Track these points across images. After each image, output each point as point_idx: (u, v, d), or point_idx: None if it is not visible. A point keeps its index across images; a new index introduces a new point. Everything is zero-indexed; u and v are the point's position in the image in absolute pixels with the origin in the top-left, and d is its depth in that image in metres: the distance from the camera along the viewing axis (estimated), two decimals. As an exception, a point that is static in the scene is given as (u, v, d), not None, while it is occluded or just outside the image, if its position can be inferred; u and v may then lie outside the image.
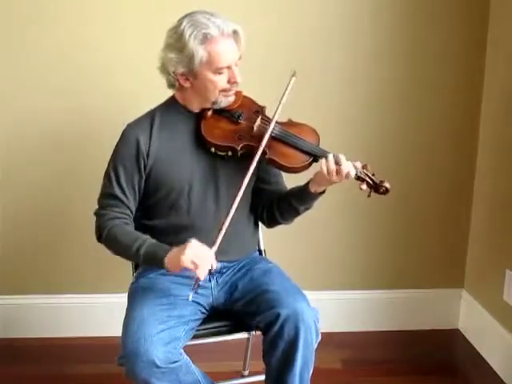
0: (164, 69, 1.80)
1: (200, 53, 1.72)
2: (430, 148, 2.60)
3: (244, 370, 2.35)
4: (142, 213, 1.89)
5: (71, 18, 2.38)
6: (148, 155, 1.82)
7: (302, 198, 1.85)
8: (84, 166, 2.48)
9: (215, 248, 1.67)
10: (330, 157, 1.75)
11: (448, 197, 2.66)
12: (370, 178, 1.78)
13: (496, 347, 2.46)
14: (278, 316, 1.70)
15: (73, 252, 2.57)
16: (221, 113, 1.85)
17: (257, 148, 1.76)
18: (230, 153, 1.81)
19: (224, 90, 1.79)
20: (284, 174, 1.95)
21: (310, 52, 2.46)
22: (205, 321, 1.87)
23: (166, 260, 1.67)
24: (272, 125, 1.78)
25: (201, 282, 1.85)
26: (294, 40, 2.45)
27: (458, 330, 2.75)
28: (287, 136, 1.81)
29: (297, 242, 2.61)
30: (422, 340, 2.66)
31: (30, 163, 2.49)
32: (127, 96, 2.40)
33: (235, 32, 1.75)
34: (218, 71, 1.75)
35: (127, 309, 1.78)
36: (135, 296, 1.82)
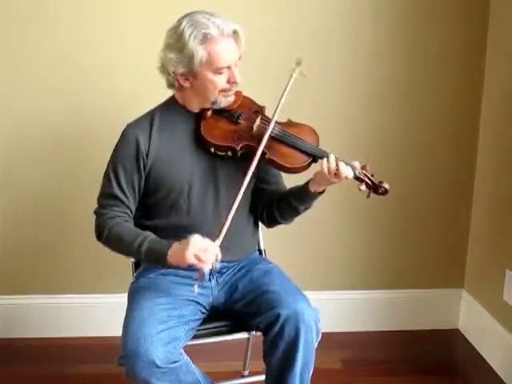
0: (164, 69, 1.80)
1: (200, 53, 1.72)
2: (430, 148, 2.60)
3: (244, 370, 2.35)
4: (141, 213, 1.89)
5: (71, 18, 2.38)
6: (148, 155, 1.82)
7: (302, 197, 1.85)
8: (84, 166, 2.48)
9: (219, 241, 1.66)
10: (332, 157, 1.75)
11: (448, 197, 2.66)
12: (369, 178, 1.78)
13: (496, 347, 2.46)
14: (278, 316, 1.70)
15: (73, 252, 2.58)
16: (220, 113, 1.85)
17: (256, 148, 1.76)
18: (229, 153, 1.81)
19: (224, 90, 1.79)
20: (284, 174, 1.95)
21: (310, 52, 2.46)
22: (205, 321, 1.87)
23: (169, 255, 1.68)
24: (272, 125, 1.78)
25: (201, 282, 1.86)
26: (293, 40, 2.45)
27: (458, 330, 2.75)
28: (287, 136, 1.81)
29: (297, 242, 2.61)
30: (422, 340, 2.66)
31: (30, 163, 2.49)
32: (127, 96, 2.40)
33: (235, 32, 1.75)
34: (217, 71, 1.75)
35: (127, 309, 1.78)
36: (135, 296, 1.82)
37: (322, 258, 2.66)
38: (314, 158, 1.80)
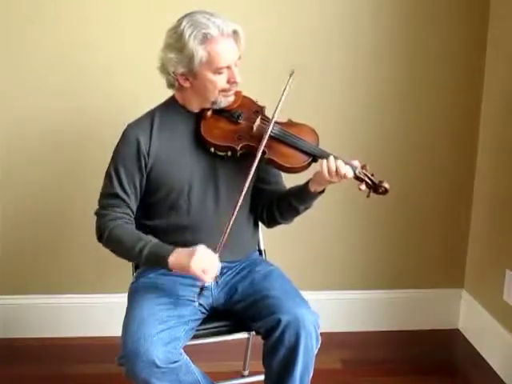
0: (164, 69, 1.80)
1: (200, 53, 1.72)
2: (430, 148, 2.60)
3: (244, 370, 2.35)
4: (141, 213, 1.89)
5: (71, 18, 2.38)
6: (148, 155, 1.82)
7: (302, 197, 1.85)
8: (84, 166, 2.49)
9: (218, 253, 1.69)
10: (331, 157, 1.75)
11: (448, 197, 2.66)
12: (369, 178, 1.78)
13: (496, 347, 2.46)
14: (278, 322, 1.70)
15: (73, 252, 2.58)
16: (220, 113, 1.85)
17: (256, 148, 1.76)
18: (229, 153, 1.81)
19: (224, 90, 1.79)
20: (284, 174, 1.95)
21: (310, 52, 2.46)
22: (205, 321, 1.87)
23: (172, 262, 1.68)
24: (271, 125, 1.78)
25: (201, 283, 1.86)
26: (293, 40, 2.45)
27: (458, 330, 2.75)
28: (286, 136, 1.81)
29: (297, 242, 2.61)
30: (422, 340, 2.66)
31: (30, 163, 2.49)
32: (127, 96, 2.40)
33: (235, 32, 1.75)
34: (217, 71, 1.75)
35: (127, 309, 1.78)
36: (135, 296, 1.82)
37: (322, 258, 2.66)
38: (314, 157, 1.80)
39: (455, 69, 2.53)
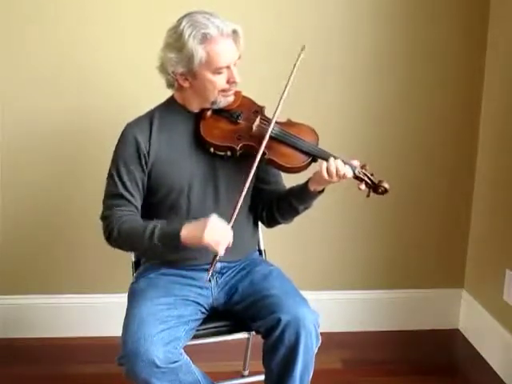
0: (163, 68, 1.80)
1: (199, 53, 1.72)
2: (430, 148, 2.60)
3: (244, 370, 2.35)
4: (142, 213, 1.88)
5: (71, 18, 2.38)
6: (148, 154, 1.82)
7: (302, 197, 1.85)
8: (84, 166, 2.49)
9: (231, 224, 1.68)
10: (331, 159, 1.75)
11: (448, 197, 2.66)
12: (368, 177, 1.78)
13: (496, 347, 2.46)
14: (278, 321, 1.70)
15: (73, 252, 2.57)
16: (220, 113, 1.85)
17: (256, 148, 1.76)
18: (228, 153, 1.81)
19: (223, 90, 1.79)
20: (283, 174, 1.95)
21: (310, 52, 2.45)
22: (205, 321, 1.87)
23: (184, 235, 1.68)
24: (272, 125, 1.78)
25: (201, 283, 1.86)
26: (293, 40, 2.44)
27: (458, 330, 2.75)
28: (286, 136, 1.81)
29: (297, 242, 2.61)
30: (422, 340, 2.66)
31: (30, 163, 2.49)
32: (127, 96, 2.40)
33: (234, 32, 1.75)
34: (217, 71, 1.75)
35: (127, 309, 1.78)
36: (135, 296, 1.82)
37: (322, 258, 2.66)
38: (314, 157, 1.80)
39: (455, 69, 2.53)
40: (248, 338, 2.19)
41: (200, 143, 1.83)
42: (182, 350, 1.72)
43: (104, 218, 1.81)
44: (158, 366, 1.62)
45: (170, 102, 1.89)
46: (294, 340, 1.70)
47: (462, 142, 2.61)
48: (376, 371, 2.43)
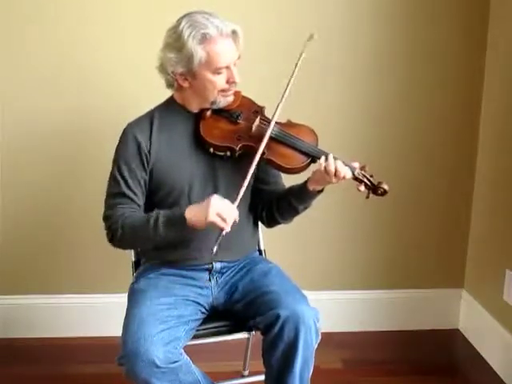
0: (163, 68, 1.80)
1: (199, 53, 1.72)
2: (430, 148, 2.60)
3: (244, 370, 2.35)
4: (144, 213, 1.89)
5: (71, 18, 2.38)
6: (149, 153, 1.82)
7: (301, 196, 1.85)
8: (84, 166, 2.49)
9: (236, 203, 1.69)
10: (330, 159, 1.75)
11: (448, 197, 2.66)
12: (368, 179, 1.78)
13: (496, 347, 2.46)
14: (277, 317, 1.70)
15: (73, 252, 2.57)
16: (220, 113, 1.85)
17: (255, 148, 1.76)
18: (228, 153, 1.81)
19: (223, 90, 1.80)
20: (283, 174, 1.95)
21: (310, 52, 2.45)
22: (205, 321, 1.87)
23: (189, 218, 1.68)
24: (272, 125, 1.78)
25: (201, 283, 1.86)
26: (293, 40, 2.44)
27: (458, 330, 2.75)
28: (285, 136, 1.81)
29: (297, 242, 2.61)
30: (422, 340, 2.66)
31: (29, 163, 2.49)
32: (127, 96, 2.40)
33: (234, 32, 1.76)
34: (216, 71, 1.75)
35: (127, 309, 1.78)
36: (135, 296, 1.82)
37: (322, 258, 2.66)
38: (313, 158, 1.80)
39: (455, 69, 2.53)
40: (248, 338, 2.19)
41: (200, 143, 1.83)
42: (182, 350, 1.72)
43: (106, 217, 1.81)
44: (158, 366, 1.62)
45: (170, 102, 1.89)
46: (294, 336, 1.70)
47: (462, 142, 2.61)
48: (376, 371, 2.43)
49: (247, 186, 1.78)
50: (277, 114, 1.80)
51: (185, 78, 1.78)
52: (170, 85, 1.84)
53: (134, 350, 1.62)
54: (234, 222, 1.69)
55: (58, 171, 2.50)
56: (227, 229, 1.66)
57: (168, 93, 1.89)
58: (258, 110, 1.87)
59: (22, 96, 2.43)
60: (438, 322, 2.74)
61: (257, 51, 2.34)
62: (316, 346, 1.77)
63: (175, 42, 1.73)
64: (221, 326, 1.88)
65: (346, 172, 1.74)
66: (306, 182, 1.83)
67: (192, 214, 1.69)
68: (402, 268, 2.71)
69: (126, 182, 1.80)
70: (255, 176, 1.91)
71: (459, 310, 2.75)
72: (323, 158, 1.75)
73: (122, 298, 1.88)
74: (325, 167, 1.73)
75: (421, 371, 2.44)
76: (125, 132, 1.84)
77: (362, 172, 1.78)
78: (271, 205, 1.93)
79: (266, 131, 1.77)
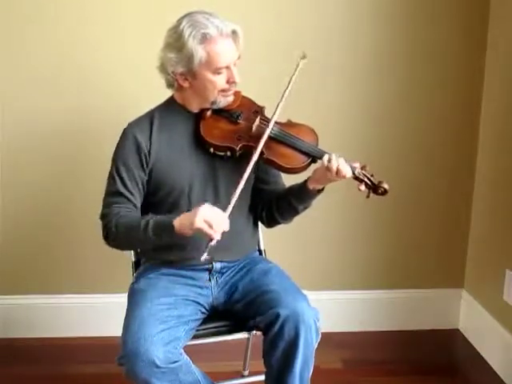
0: (163, 68, 1.80)
1: (199, 53, 1.72)
2: (430, 148, 2.60)
3: (244, 370, 2.35)
4: (142, 213, 1.88)
5: (71, 18, 2.38)
6: (149, 154, 1.82)
7: (301, 196, 1.85)
8: (84, 166, 2.49)
9: (228, 211, 1.67)
10: (333, 156, 1.74)
11: (448, 197, 2.66)
12: (368, 178, 1.78)
13: (496, 347, 2.46)
14: (277, 316, 1.70)
15: (73, 252, 2.57)
16: (220, 113, 1.85)
17: (256, 148, 1.76)
18: (228, 153, 1.81)
19: (223, 90, 1.80)
20: (283, 174, 1.95)
21: (310, 52, 2.45)
22: (205, 321, 1.87)
23: (177, 225, 1.67)
24: (271, 125, 1.78)
25: (201, 283, 1.86)
26: (293, 40, 2.45)
27: (458, 330, 2.75)
28: (286, 136, 1.81)
29: (297, 242, 2.61)
30: (421, 340, 2.66)
31: (29, 163, 2.49)
32: (127, 96, 2.40)
33: (234, 32, 1.76)
34: (217, 71, 1.75)
35: (127, 309, 1.78)
36: (135, 296, 1.82)
37: (322, 258, 2.66)
38: (314, 158, 1.80)
39: (455, 69, 2.53)
40: (248, 338, 2.19)
41: (200, 143, 1.83)
42: (182, 350, 1.72)
43: (102, 216, 1.81)
44: (158, 366, 1.62)
45: (170, 102, 1.89)
46: (294, 335, 1.70)
47: (462, 142, 2.61)
48: (376, 371, 2.43)
49: (247, 187, 1.78)
50: (276, 114, 1.80)
51: (185, 78, 1.78)
52: (170, 85, 1.84)
53: (134, 349, 1.62)
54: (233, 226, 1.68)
55: (58, 171, 2.50)
56: (216, 237, 1.63)
57: (168, 93, 1.89)
58: (258, 110, 1.87)
59: (22, 96, 2.43)
60: (438, 322, 2.74)
61: (257, 51, 2.34)
62: (316, 346, 1.77)
63: (175, 41, 1.73)
64: (221, 326, 1.88)
65: (346, 170, 1.74)
66: (305, 182, 1.83)
67: (180, 220, 1.68)
68: (402, 268, 2.71)
69: (123, 181, 1.80)
70: (255, 176, 1.91)
71: (459, 310, 2.75)
72: (327, 156, 1.75)
73: (122, 298, 1.88)
74: (327, 165, 1.73)
75: (421, 371, 2.44)
76: (125, 132, 1.85)
77: (363, 171, 1.78)
78: (271, 205, 1.93)
79: (266, 131, 1.77)
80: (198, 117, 1.85)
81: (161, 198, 1.85)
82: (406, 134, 2.58)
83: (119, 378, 1.72)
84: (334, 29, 2.47)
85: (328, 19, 2.46)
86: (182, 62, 1.74)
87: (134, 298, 1.81)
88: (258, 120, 1.83)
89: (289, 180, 1.94)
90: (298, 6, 2.44)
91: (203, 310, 1.86)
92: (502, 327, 2.42)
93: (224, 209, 1.68)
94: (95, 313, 2.61)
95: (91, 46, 2.40)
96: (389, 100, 2.54)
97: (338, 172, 1.73)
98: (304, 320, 1.70)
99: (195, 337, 1.82)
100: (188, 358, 1.74)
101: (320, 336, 1.77)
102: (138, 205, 1.84)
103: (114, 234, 1.77)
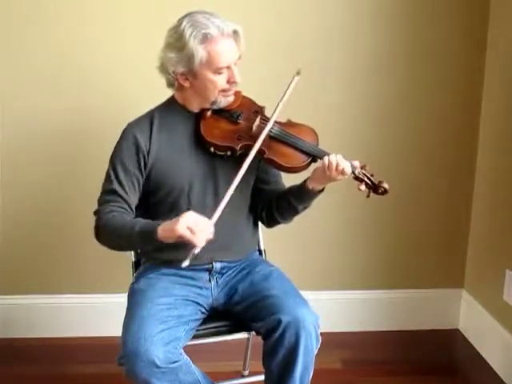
0: (163, 68, 1.80)
1: (200, 53, 1.72)
2: (430, 148, 2.60)
3: (244, 370, 2.35)
4: (142, 213, 1.88)
5: (71, 18, 2.38)
6: (148, 154, 1.82)
7: (301, 196, 1.85)
8: (84, 166, 2.49)
9: (214, 219, 1.66)
10: (332, 154, 1.75)
11: (448, 197, 2.66)
12: (368, 178, 1.78)
13: (496, 347, 2.46)
14: (279, 322, 1.70)
15: (73, 252, 2.57)
16: (220, 113, 1.85)
17: (254, 146, 1.76)
18: (228, 153, 1.81)
19: (223, 90, 1.80)
20: (283, 174, 1.95)
21: (310, 52, 2.46)
22: (205, 321, 1.87)
23: (160, 232, 1.66)
24: (270, 123, 1.79)
25: (201, 283, 1.86)
26: (293, 40, 2.45)
27: (458, 330, 2.75)
28: (286, 136, 1.82)
29: (297, 242, 2.61)
30: (421, 340, 2.66)
31: (29, 163, 2.49)
32: (127, 96, 2.40)
33: (235, 32, 1.76)
34: (217, 71, 1.75)
35: (127, 309, 1.78)
36: (135, 296, 1.82)
37: (322, 258, 2.66)
38: (314, 158, 1.81)
39: (455, 69, 2.53)
40: (248, 338, 2.19)
41: (200, 143, 1.83)
42: (182, 350, 1.72)
43: (95, 212, 1.81)
44: (158, 366, 1.62)
45: (171, 101, 1.89)
46: (294, 341, 1.70)
47: (462, 142, 2.61)
48: (376, 371, 2.43)
49: (246, 187, 1.78)
50: (276, 113, 1.80)
51: (185, 78, 1.78)
52: (170, 84, 1.84)
53: (134, 349, 1.62)
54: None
55: (58, 171, 2.50)
56: (199, 244, 1.62)
57: (168, 93, 1.89)
58: (259, 110, 1.87)
59: (22, 96, 2.43)
60: (438, 322, 2.74)
61: (257, 51, 2.34)
62: (316, 352, 1.77)
63: (176, 41, 1.73)
64: (221, 326, 1.88)
65: (345, 165, 1.74)
66: (305, 181, 1.83)
67: (163, 229, 1.66)
68: (402, 268, 2.71)
69: (119, 180, 1.80)
70: (255, 176, 1.91)
71: (459, 310, 2.75)
72: (326, 156, 1.75)
73: (122, 298, 1.88)
74: (327, 161, 1.73)
75: (421, 371, 2.44)
76: (125, 132, 1.85)
77: (363, 171, 1.78)
78: (271, 204, 1.93)
79: (265, 129, 1.77)
80: (199, 117, 1.85)
81: (161, 198, 1.85)
82: (406, 134, 2.58)
83: (119, 378, 1.72)
84: (333, 29, 2.47)
85: (328, 19, 2.46)
86: (182, 62, 1.74)
87: (134, 298, 1.81)
88: (258, 120, 1.83)
89: (289, 180, 1.94)
90: (297, 6, 2.44)
91: (203, 310, 1.86)
92: (502, 327, 2.42)
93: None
94: (95, 313, 2.61)
95: (91, 46, 2.40)
96: (389, 100, 2.54)
97: (337, 167, 1.73)
98: (305, 326, 1.70)
99: (195, 337, 1.82)
100: (188, 358, 1.74)
101: (320, 342, 1.77)
102: (133, 205, 1.83)
103: (102, 232, 1.77)
